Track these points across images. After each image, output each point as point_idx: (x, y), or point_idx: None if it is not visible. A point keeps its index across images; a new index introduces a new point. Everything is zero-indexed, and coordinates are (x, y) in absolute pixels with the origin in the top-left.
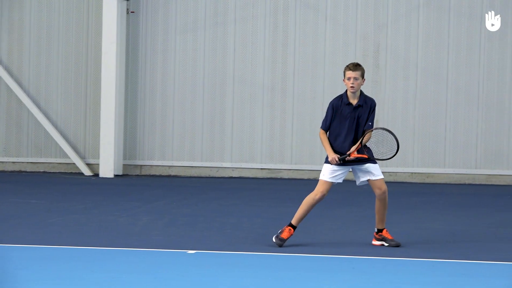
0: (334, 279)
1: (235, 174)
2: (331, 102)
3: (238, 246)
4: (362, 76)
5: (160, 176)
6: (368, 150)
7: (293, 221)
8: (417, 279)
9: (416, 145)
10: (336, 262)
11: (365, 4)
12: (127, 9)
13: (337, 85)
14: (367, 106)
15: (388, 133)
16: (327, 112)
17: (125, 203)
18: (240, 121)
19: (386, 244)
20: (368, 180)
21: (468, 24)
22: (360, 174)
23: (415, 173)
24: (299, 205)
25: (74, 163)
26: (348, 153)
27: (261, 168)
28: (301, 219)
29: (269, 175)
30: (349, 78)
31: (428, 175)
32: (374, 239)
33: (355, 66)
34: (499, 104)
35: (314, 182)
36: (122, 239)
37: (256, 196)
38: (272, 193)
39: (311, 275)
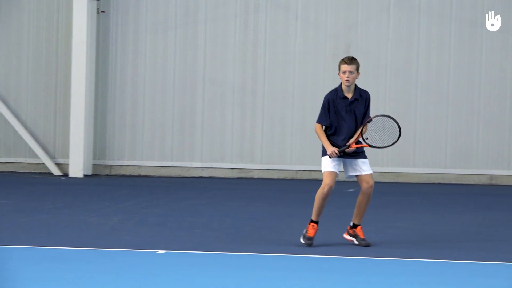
0: (307, 279)
1: (205, 174)
2: (326, 96)
3: (208, 246)
4: (357, 69)
5: (130, 176)
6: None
7: (313, 217)
8: (388, 279)
9: None
10: (304, 262)
11: (335, 4)
12: (98, 8)
13: (307, 84)
14: (362, 99)
15: (388, 118)
16: (323, 107)
17: (95, 203)
18: (210, 121)
19: (356, 242)
20: (356, 175)
21: (439, 25)
22: (349, 167)
23: (385, 172)
24: (270, 205)
25: (43, 163)
26: (347, 144)
27: (231, 168)
28: (319, 213)
29: (239, 175)
30: (344, 72)
31: (398, 174)
32: (346, 233)
33: (351, 60)
34: (468, 104)
35: (284, 181)
36: (93, 239)
37: (226, 196)
38: (243, 193)
39: (282, 274)
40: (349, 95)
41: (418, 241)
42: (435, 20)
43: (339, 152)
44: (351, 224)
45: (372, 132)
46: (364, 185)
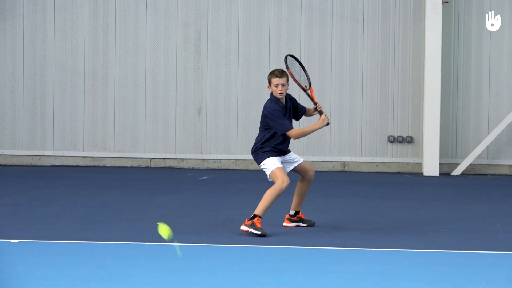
0: (165, 267)
1: (57, 162)
2: (273, 108)
3: (62, 234)
4: (287, 81)
5: None
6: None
7: (260, 213)
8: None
9: (239, 132)
10: (160, 249)
11: None
12: None
13: (159, 72)
14: (291, 102)
15: (287, 65)
16: (279, 117)
17: None
18: (61, 109)
19: (304, 225)
20: (294, 168)
21: (289, 13)
22: (285, 165)
23: (239, 160)
24: (123, 193)
25: None
26: (316, 104)
27: (84, 156)
28: (266, 210)
29: (91, 163)
30: (277, 85)
31: (251, 162)
32: (287, 221)
33: (281, 73)
34: (320, 92)
35: (138, 169)
36: None
37: (79, 184)
38: (96, 181)
39: (136, 262)
40: (284, 103)
41: (276, 227)
42: (285, 8)
43: (323, 114)
44: (292, 213)
45: (300, 78)
46: (310, 174)
